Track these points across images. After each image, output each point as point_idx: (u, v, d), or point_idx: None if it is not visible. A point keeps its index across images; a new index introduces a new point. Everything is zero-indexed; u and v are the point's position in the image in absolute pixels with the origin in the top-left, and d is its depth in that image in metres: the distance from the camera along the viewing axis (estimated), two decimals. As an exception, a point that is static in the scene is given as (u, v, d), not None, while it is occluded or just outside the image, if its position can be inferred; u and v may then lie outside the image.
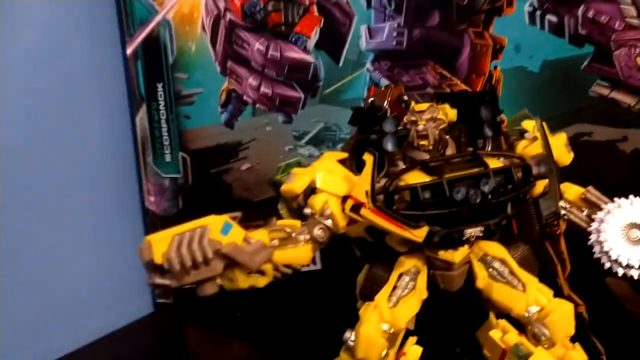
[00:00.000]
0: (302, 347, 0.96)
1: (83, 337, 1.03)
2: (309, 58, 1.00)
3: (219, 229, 0.54)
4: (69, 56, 1.03)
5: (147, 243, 0.51)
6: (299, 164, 1.02)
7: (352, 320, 0.67)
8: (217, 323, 1.08)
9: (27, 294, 0.96)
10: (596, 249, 0.65)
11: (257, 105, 1.04)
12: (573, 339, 0.66)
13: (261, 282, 0.60)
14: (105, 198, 1.11)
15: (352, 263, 0.77)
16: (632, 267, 0.63)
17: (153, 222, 1.13)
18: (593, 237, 0.65)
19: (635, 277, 0.63)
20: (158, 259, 0.51)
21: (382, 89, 0.71)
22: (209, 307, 1.08)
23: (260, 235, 0.59)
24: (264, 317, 1.07)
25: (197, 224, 0.54)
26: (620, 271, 0.64)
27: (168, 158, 1.11)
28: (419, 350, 0.67)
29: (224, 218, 0.55)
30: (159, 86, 1.08)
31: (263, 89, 1.03)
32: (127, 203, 1.15)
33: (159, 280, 0.51)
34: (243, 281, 0.58)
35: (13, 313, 0.94)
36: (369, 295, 0.69)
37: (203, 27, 1.04)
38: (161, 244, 0.51)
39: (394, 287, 0.68)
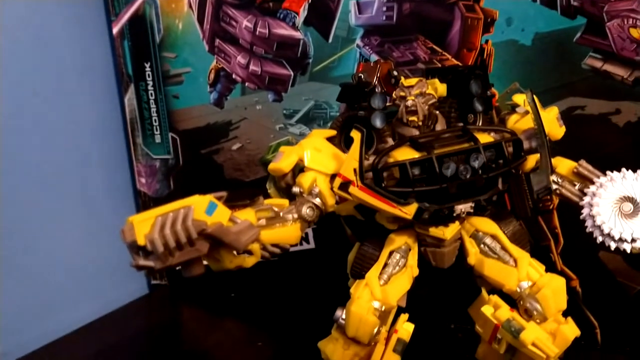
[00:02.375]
0: (295, 326, 0.96)
1: (78, 320, 1.03)
2: (298, 35, 0.98)
3: (204, 209, 0.53)
4: (54, 37, 1.02)
5: (129, 224, 0.50)
6: (290, 143, 1.00)
7: (345, 299, 0.66)
8: (211, 303, 1.08)
9: (21, 278, 0.96)
10: (589, 223, 0.64)
11: (247, 84, 1.03)
12: (567, 313, 0.66)
13: (249, 262, 0.59)
14: (96, 180, 1.10)
15: (345, 241, 0.76)
16: (625, 240, 0.62)
17: (145, 204, 1.13)
18: (585, 211, 0.64)
19: (628, 251, 0.63)
20: (141, 241, 0.50)
21: (371, 64, 0.69)
22: (204, 288, 1.08)
23: (246, 215, 0.59)
24: (258, 297, 1.07)
25: (180, 204, 0.53)
26: (613, 245, 0.63)
27: (158, 139, 1.10)
28: (410, 327, 0.66)
29: (209, 198, 0.55)
30: (147, 66, 1.07)
31: (252, 67, 1.01)
32: (119, 185, 1.14)
33: (142, 262, 0.51)
34: (229, 261, 0.57)
35: (7, 297, 0.93)
36: (360, 273, 0.68)
37: (190, 5, 1.02)
38: (144, 224, 0.50)
39: (385, 265, 0.67)
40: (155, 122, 1.09)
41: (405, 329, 0.66)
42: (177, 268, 0.54)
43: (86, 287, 1.07)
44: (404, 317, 0.67)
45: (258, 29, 0.99)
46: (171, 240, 0.51)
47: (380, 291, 0.65)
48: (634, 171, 0.64)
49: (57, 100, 1.02)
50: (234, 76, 1.03)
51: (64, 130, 1.04)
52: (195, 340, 0.98)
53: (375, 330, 0.65)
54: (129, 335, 1.01)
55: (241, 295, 1.09)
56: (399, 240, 0.68)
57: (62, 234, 1.03)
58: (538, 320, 0.64)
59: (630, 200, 0.63)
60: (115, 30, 1.07)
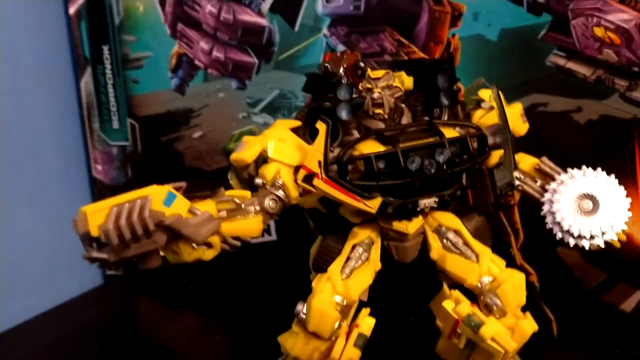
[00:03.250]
0: (255, 319, 0.95)
1: (29, 311, 1.00)
2: (264, 22, 0.96)
3: (162, 200, 0.52)
4: (6, 16, 0.98)
5: (82, 214, 0.48)
6: (253, 133, 0.99)
7: (307, 292, 0.65)
8: (169, 295, 1.06)
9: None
10: (549, 219, 0.65)
11: (209, 71, 1.00)
12: (524, 307, 0.66)
13: (208, 255, 0.58)
14: (49, 166, 1.06)
15: (308, 234, 0.76)
16: (584, 237, 0.63)
17: (101, 192, 1.09)
18: (546, 208, 0.65)
19: (587, 248, 0.64)
20: (94, 232, 0.48)
21: (338, 54, 0.68)
22: (161, 279, 1.05)
23: (207, 207, 0.57)
24: (217, 289, 1.05)
25: (137, 195, 0.51)
26: (572, 241, 0.64)
27: (116, 125, 1.06)
28: (372, 321, 0.66)
29: (167, 188, 0.53)
30: (105, 49, 1.03)
31: (215, 53, 0.99)
32: (74, 172, 1.11)
33: (95, 254, 0.49)
34: (188, 254, 0.55)
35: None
36: (322, 266, 0.67)
37: (151, -14, 0.99)
38: (98, 215, 0.48)
39: (347, 259, 0.67)
40: (113, 107, 1.06)
41: (367, 323, 0.66)
42: (133, 260, 0.52)
43: (37, 277, 1.03)
44: (366, 311, 0.67)
45: (222, 14, 0.97)
46: (127, 231, 0.49)
47: (342, 285, 0.64)
48: (594, 169, 0.65)
49: (8, 82, 0.98)
50: (196, 62, 1.00)
51: (15, 114, 1.00)
52: (152, 332, 0.96)
53: (337, 324, 0.64)
54: (83, 326, 0.99)
55: (200, 287, 1.07)
56: (362, 234, 0.67)
57: (13, 221, 1.00)
58: (497, 315, 0.64)
59: (590, 197, 0.63)
60: (71, 10, 1.03)
